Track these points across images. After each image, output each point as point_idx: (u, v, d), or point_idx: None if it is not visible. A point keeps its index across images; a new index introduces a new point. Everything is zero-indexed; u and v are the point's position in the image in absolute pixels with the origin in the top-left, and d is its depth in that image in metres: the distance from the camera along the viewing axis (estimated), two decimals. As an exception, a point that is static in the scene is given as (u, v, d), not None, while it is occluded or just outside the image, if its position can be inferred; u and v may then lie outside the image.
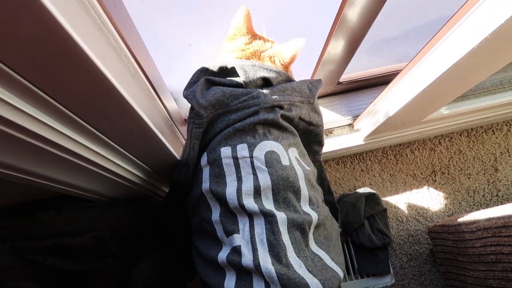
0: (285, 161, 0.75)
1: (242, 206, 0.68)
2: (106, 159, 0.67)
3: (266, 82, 0.81)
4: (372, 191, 1.28)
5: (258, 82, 0.79)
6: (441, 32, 0.75)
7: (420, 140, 1.40)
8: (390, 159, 1.38)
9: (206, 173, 0.75)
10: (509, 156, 1.37)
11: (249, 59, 0.85)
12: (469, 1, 0.65)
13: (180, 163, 0.78)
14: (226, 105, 0.76)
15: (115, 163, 0.71)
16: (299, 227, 0.70)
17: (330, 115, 1.29)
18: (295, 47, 0.84)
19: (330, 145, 1.27)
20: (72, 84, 0.44)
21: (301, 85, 0.84)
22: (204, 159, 0.77)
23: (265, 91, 0.78)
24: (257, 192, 0.70)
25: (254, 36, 0.89)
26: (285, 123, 0.80)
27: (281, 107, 0.79)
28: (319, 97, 1.32)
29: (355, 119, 1.28)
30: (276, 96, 0.78)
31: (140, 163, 0.80)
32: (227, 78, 0.80)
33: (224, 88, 0.77)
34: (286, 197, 0.72)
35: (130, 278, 0.89)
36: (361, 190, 1.31)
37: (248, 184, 0.70)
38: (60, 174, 0.62)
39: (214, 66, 0.81)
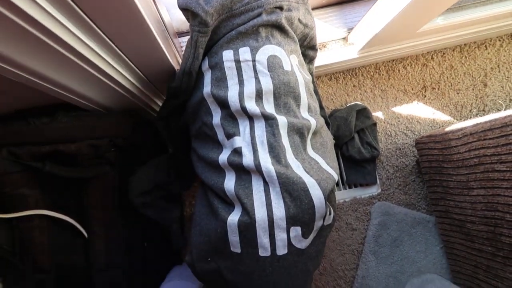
0: (287, 66, 0.75)
1: (243, 109, 0.69)
2: (102, 60, 0.65)
3: None
4: (363, 105, 1.30)
5: None
6: None
7: (413, 55, 1.39)
8: (382, 74, 1.38)
9: (207, 77, 0.75)
10: (499, 71, 1.38)
11: None
12: None
13: (182, 72, 0.77)
14: (229, 9, 0.74)
15: (111, 65, 0.69)
16: (298, 131, 0.72)
17: (324, 28, 1.25)
18: None
19: (323, 59, 1.25)
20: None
21: None
22: (205, 64, 0.76)
23: None
24: (258, 96, 0.71)
25: None
26: (287, 27, 0.79)
27: (281, 8, 0.77)
28: (313, 8, 1.27)
29: (349, 32, 1.25)
30: None
31: (135, 68, 0.78)
32: None
33: None
34: (287, 102, 0.73)
35: (128, 186, 0.92)
36: (352, 104, 1.32)
37: (250, 88, 0.71)
38: (57, 73, 0.60)
39: None
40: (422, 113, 1.37)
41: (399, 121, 1.36)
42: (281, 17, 0.76)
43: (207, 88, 0.74)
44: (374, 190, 1.32)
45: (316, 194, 0.66)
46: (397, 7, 0.90)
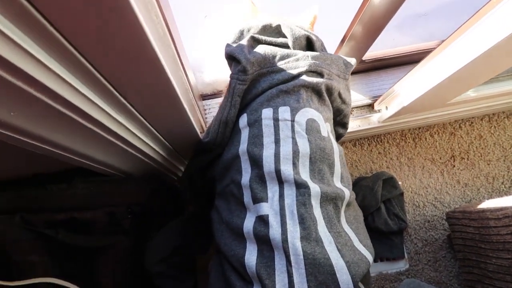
0: (324, 132, 0.73)
1: (277, 171, 0.65)
2: (129, 132, 0.63)
3: (309, 44, 0.80)
4: (390, 174, 1.25)
5: (302, 42, 0.78)
6: (482, 10, 0.69)
7: (440, 124, 1.36)
8: (409, 142, 1.34)
9: (245, 134, 0.72)
10: (531, 143, 1.33)
11: None
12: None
13: (219, 122, 0.75)
14: (271, 64, 0.74)
15: (138, 136, 0.67)
16: (332, 201, 0.67)
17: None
18: (311, 13, 0.85)
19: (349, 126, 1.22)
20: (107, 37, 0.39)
21: (338, 58, 0.81)
22: (243, 120, 0.74)
23: (309, 54, 0.76)
24: (296, 158, 0.67)
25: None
26: (325, 94, 0.77)
27: (322, 75, 0.76)
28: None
29: (375, 100, 1.23)
30: (318, 62, 0.76)
31: (160, 137, 0.76)
32: (274, 37, 0.79)
33: (272, 47, 0.75)
34: (322, 169, 0.69)
35: (145, 253, 0.86)
36: (378, 172, 1.27)
37: (287, 148, 0.67)
38: (83, 146, 0.58)
39: (256, 25, 0.79)
40: (451, 183, 1.30)
41: (427, 191, 1.29)
42: (321, 82, 0.75)
43: (243, 146, 0.71)
44: (401, 265, 1.23)
45: (344, 279, 0.59)
46: (432, 82, 0.88)
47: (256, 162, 0.68)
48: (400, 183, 1.29)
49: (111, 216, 0.82)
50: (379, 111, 1.23)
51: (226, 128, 0.75)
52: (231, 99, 0.73)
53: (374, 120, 1.22)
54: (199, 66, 1.20)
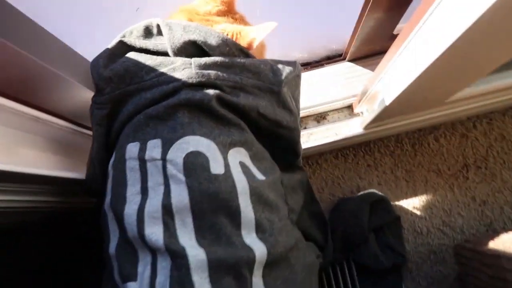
0: (216, 168, 0.51)
1: (142, 237, 0.47)
2: None
3: (201, 51, 0.56)
4: (380, 194, 0.98)
5: (188, 49, 0.55)
6: None
7: (447, 123, 1.06)
8: (407, 150, 1.05)
9: (110, 181, 0.55)
10: None
11: None
12: None
13: (88, 159, 0.61)
14: (140, 79, 0.54)
15: None
16: (231, 270, 0.47)
17: (324, 92, 0.98)
18: (262, 30, 0.60)
19: (323, 134, 0.96)
20: None
21: (260, 64, 0.57)
22: (111, 161, 0.56)
23: (193, 61, 0.54)
24: (167, 215, 0.48)
25: (228, 12, 0.68)
26: (223, 111, 0.54)
27: (217, 87, 0.53)
28: (309, 64, 1.00)
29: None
30: (212, 71, 0.53)
31: None
32: (152, 41, 0.58)
33: (143, 55, 0.56)
34: (216, 223, 0.49)
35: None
36: (366, 193, 1.00)
37: (154, 202, 0.49)
38: None
39: (139, 26, 0.59)
40: (464, 201, 1.02)
41: (432, 213, 1.01)
42: (210, 97, 0.52)
43: (108, 198, 0.54)
44: (401, 312, 0.96)
45: None
46: (417, 68, 0.59)
47: (120, 223, 0.50)
48: (396, 203, 1.01)
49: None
50: (360, 114, 0.95)
51: (94, 170, 0.60)
52: (93, 130, 0.58)
53: (355, 126, 0.95)
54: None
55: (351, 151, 1.06)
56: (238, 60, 0.55)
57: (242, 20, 0.69)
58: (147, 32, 0.58)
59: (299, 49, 1.00)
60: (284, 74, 0.57)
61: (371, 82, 0.79)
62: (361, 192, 1.02)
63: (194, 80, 0.52)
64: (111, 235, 0.53)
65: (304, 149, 0.97)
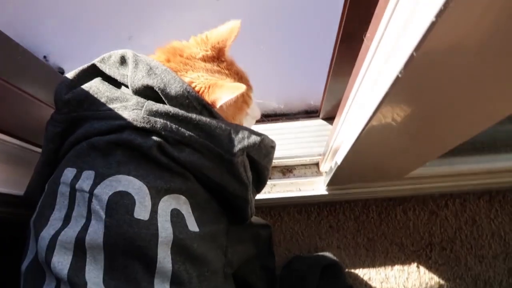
0: (141, 213, 0.49)
1: (48, 263, 0.47)
2: None
3: (156, 96, 0.54)
4: (334, 258, 0.94)
5: (146, 91, 0.54)
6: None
7: (419, 197, 1.03)
8: (372, 217, 1.02)
9: (42, 198, 0.56)
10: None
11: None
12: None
13: (34, 171, 0.61)
14: (96, 107, 0.54)
15: None
16: None
17: (293, 146, 0.97)
18: (229, 91, 0.56)
19: (286, 187, 0.95)
20: None
21: (217, 128, 0.54)
22: (50, 178, 0.56)
23: (147, 104, 0.52)
24: (79, 248, 0.47)
25: (216, 59, 0.64)
26: (165, 159, 0.52)
27: (161, 137, 0.52)
28: (281, 116, 1.01)
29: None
30: (160, 120, 0.52)
31: None
32: (121, 72, 0.57)
33: (106, 85, 0.56)
34: (128, 266, 0.48)
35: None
36: (320, 254, 0.97)
37: (70, 233, 0.48)
38: None
39: (116, 54, 0.59)
40: (422, 281, 0.97)
41: (387, 286, 0.96)
42: (150, 145, 0.51)
43: (35, 213, 0.55)
44: None
45: None
46: (346, 147, 0.58)
47: (36, 243, 0.50)
48: (351, 271, 0.97)
49: None
50: (324, 173, 0.94)
51: (35, 183, 0.61)
52: (43, 144, 0.58)
53: (319, 185, 0.93)
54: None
55: (316, 209, 1.04)
56: (194, 116, 0.53)
57: (228, 69, 0.65)
58: (122, 61, 0.58)
59: (276, 99, 1.00)
60: (241, 145, 0.55)
61: (328, 143, 0.78)
62: (317, 254, 0.98)
63: (139, 124, 0.51)
64: (28, 252, 0.53)
65: (267, 199, 0.96)
